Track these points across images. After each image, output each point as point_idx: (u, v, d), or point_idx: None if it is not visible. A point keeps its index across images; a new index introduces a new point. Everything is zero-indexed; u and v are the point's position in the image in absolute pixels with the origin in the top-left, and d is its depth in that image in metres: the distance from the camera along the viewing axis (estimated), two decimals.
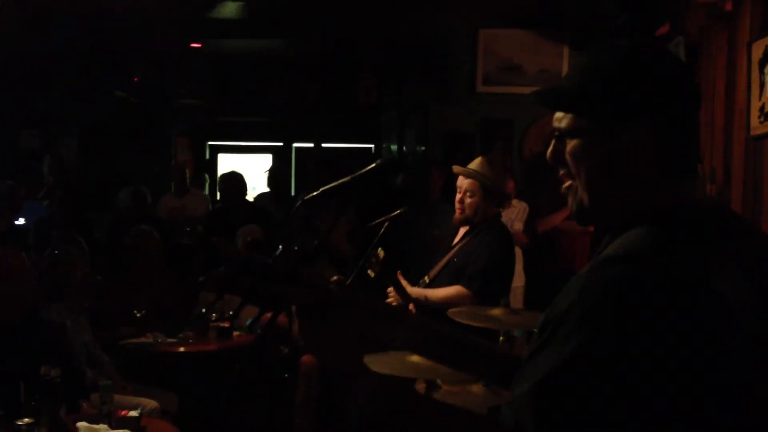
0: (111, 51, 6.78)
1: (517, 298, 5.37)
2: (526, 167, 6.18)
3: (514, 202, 5.61)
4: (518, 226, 5.54)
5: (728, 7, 3.37)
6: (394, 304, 3.49)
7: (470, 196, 3.46)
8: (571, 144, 1.16)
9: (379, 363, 2.13)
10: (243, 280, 1.26)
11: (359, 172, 1.91)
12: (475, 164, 3.53)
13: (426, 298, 3.44)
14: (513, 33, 6.04)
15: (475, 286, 3.30)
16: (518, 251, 5.49)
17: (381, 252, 3.15)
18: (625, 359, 0.93)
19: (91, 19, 5.86)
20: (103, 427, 2.48)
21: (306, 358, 4.18)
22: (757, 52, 2.91)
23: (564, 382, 0.95)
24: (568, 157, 1.17)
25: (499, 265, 3.39)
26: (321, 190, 1.91)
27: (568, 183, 1.19)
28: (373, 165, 1.90)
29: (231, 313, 2.18)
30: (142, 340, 4.02)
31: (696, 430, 0.96)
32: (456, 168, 3.57)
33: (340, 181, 1.94)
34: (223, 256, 1.24)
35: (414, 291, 3.48)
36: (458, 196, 3.51)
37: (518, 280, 5.42)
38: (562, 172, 1.20)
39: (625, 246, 1.04)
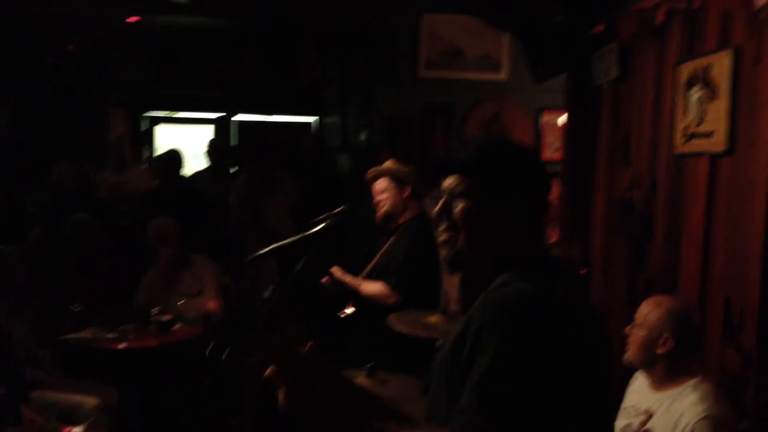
0: (45, 20, 6.53)
1: (452, 281, 5.52)
2: None
3: None
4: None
5: (659, 19, 3.49)
6: (333, 290, 3.59)
7: (384, 192, 3.60)
8: (462, 204, 1.47)
9: None
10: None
11: (307, 233, 1.97)
12: (384, 165, 3.68)
13: (357, 288, 3.57)
14: (456, 18, 6.08)
15: (392, 282, 3.47)
16: None
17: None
18: (526, 351, 1.26)
19: None
20: None
21: (252, 360, 4.25)
22: (684, 73, 3.04)
23: (496, 378, 1.25)
24: (457, 213, 1.48)
25: (413, 260, 3.53)
26: (269, 248, 1.96)
27: (446, 236, 1.50)
28: (322, 225, 1.96)
29: None
30: (82, 335, 4.01)
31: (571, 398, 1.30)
32: (368, 173, 3.71)
33: (288, 240, 1.99)
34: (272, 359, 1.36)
35: (348, 279, 3.59)
36: (375, 200, 3.64)
37: None
38: (444, 226, 1.51)
39: (508, 279, 1.41)
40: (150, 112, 8.69)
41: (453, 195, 1.49)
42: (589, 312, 1.49)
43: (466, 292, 5.57)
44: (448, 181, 1.51)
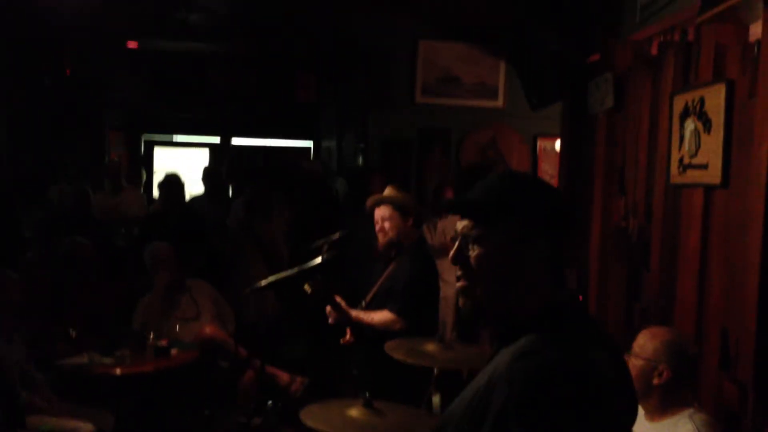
0: (44, 42, 6.58)
1: (449, 307, 5.54)
2: (462, 177, 6.33)
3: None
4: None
5: (654, 51, 3.55)
6: (331, 321, 3.61)
7: (388, 220, 3.63)
8: (477, 250, 1.34)
9: (317, 417, 2.23)
10: None
11: (305, 266, 2.00)
12: (384, 192, 3.72)
13: (363, 321, 3.58)
14: (452, 46, 6.15)
15: (396, 308, 3.50)
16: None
17: (308, 288, 3.23)
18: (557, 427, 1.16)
19: (26, 8, 5.68)
20: None
21: (246, 378, 4.25)
22: (678, 105, 3.08)
23: None
24: (473, 260, 1.35)
25: (416, 285, 3.58)
26: (268, 281, 1.99)
27: (463, 284, 1.37)
28: (319, 259, 1.99)
29: None
30: (78, 360, 3.99)
31: None
32: (369, 201, 3.74)
33: (286, 273, 2.02)
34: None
35: (352, 312, 3.61)
36: (377, 227, 3.67)
37: (450, 289, 5.59)
38: (460, 273, 1.38)
39: (536, 345, 1.26)
40: (148, 135, 8.73)
41: (467, 239, 1.36)
42: (617, 368, 1.33)
43: (463, 319, 5.58)
44: (462, 224, 1.38)
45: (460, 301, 1.38)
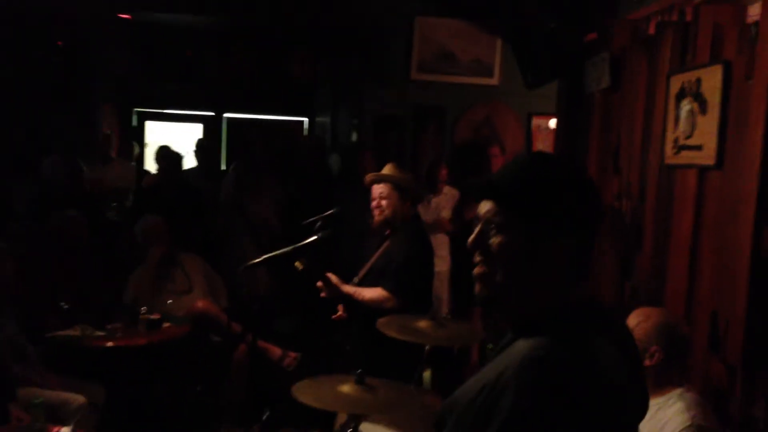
0: (35, 14, 6.49)
1: (442, 282, 5.57)
2: (456, 154, 6.32)
3: (446, 188, 5.78)
4: (445, 213, 5.71)
5: (651, 30, 3.52)
6: (323, 295, 3.61)
7: (385, 198, 3.62)
8: (500, 238, 1.26)
9: (308, 393, 2.23)
10: None
11: (300, 243, 1.99)
12: (385, 169, 3.71)
13: (354, 296, 3.58)
14: (448, 22, 6.10)
15: (390, 286, 3.49)
16: (445, 237, 5.68)
17: (299, 265, 3.22)
18: (541, 419, 1.12)
19: None
20: None
21: (238, 352, 4.26)
22: (675, 86, 3.07)
23: None
24: (493, 247, 1.27)
25: (412, 264, 3.57)
26: (264, 257, 1.98)
27: (480, 270, 1.30)
28: (315, 237, 1.98)
29: None
30: (69, 332, 4.00)
31: None
32: (368, 177, 3.72)
33: (282, 250, 2.01)
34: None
35: (344, 287, 3.61)
36: (374, 203, 3.66)
37: (444, 264, 5.62)
38: (478, 258, 1.30)
39: (545, 343, 1.19)
40: (140, 108, 8.66)
41: (489, 224, 1.28)
42: (630, 370, 1.28)
43: (458, 296, 5.61)
44: (485, 207, 1.29)
45: (477, 287, 1.31)
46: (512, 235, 1.25)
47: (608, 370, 1.19)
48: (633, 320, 2.47)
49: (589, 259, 1.31)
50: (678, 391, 2.40)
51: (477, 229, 1.31)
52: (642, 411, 1.35)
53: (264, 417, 3.42)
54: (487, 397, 1.18)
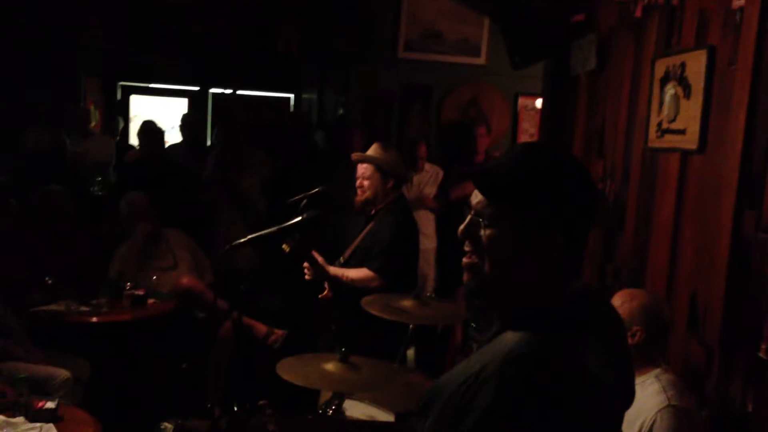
0: None
1: (428, 261, 5.60)
2: (442, 133, 6.33)
3: (427, 166, 5.79)
4: (429, 190, 5.73)
5: (638, 13, 3.53)
6: (308, 278, 3.63)
7: (367, 179, 3.64)
8: (490, 231, 1.25)
9: (293, 371, 2.26)
10: None
11: (285, 224, 1.99)
12: (370, 150, 3.72)
13: (340, 277, 3.61)
14: (436, 1, 6.08)
15: (376, 266, 3.52)
16: (430, 215, 5.70)
17: (286, 247, 3.22)
18: (517, 414, 1.11)
19: None
20: (20, 419, 2.51)
21: (224, 329, 4.27)
22: (660, 69, 3.09)
23: None
24: (484, 240, 1.26)
25: (397, 244, 3.60)
26: (250, 237, 1.98)
27: (469, 260, 1.29)
28: (299, 218, 1.98)
29: None
30: (54, 307, 3.99)
31: None
32: (353, 156, 3.73)
33: (266, 231, 2.01)
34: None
35: (330, 269, 3.63)
36: (357, 182, 3.68)
37: (430, 242, 5.65)
38: (469, 248, 1.29)
39: (526, 346, 1.19)
40: (125, 82, 8.57)
41: (480, 215, 1.27)
42: (617, 367, 1.27)
43: (443, 276, 5.65)
44: (477, 198, 1.28)
45: (465, 277, 1.30)
46: (503, 229, 1.24)
47: (592, 369, 1.18)
48: (617, 300, 2.51)
49: (581, 255, 1.30)
50: (655, 371, 2.45)
51: (468, 219, 1.30)
52: (627, 402, 1.36)
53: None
54: (469, 389, 1.18)
